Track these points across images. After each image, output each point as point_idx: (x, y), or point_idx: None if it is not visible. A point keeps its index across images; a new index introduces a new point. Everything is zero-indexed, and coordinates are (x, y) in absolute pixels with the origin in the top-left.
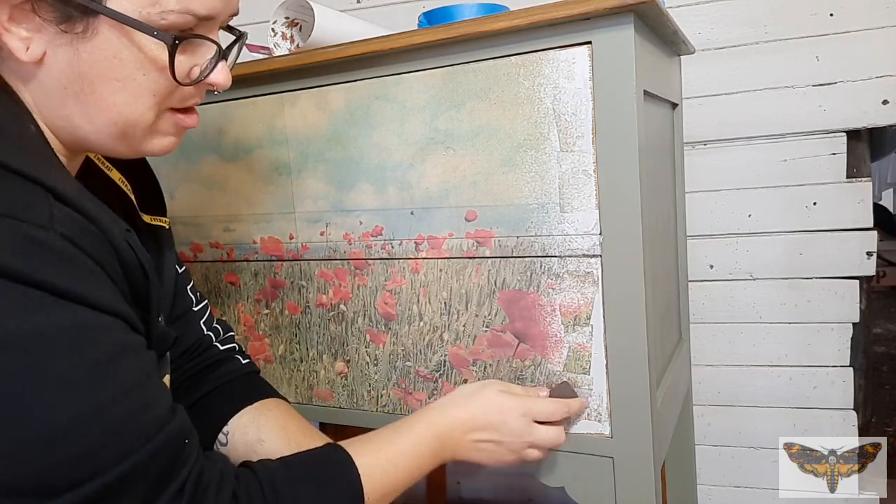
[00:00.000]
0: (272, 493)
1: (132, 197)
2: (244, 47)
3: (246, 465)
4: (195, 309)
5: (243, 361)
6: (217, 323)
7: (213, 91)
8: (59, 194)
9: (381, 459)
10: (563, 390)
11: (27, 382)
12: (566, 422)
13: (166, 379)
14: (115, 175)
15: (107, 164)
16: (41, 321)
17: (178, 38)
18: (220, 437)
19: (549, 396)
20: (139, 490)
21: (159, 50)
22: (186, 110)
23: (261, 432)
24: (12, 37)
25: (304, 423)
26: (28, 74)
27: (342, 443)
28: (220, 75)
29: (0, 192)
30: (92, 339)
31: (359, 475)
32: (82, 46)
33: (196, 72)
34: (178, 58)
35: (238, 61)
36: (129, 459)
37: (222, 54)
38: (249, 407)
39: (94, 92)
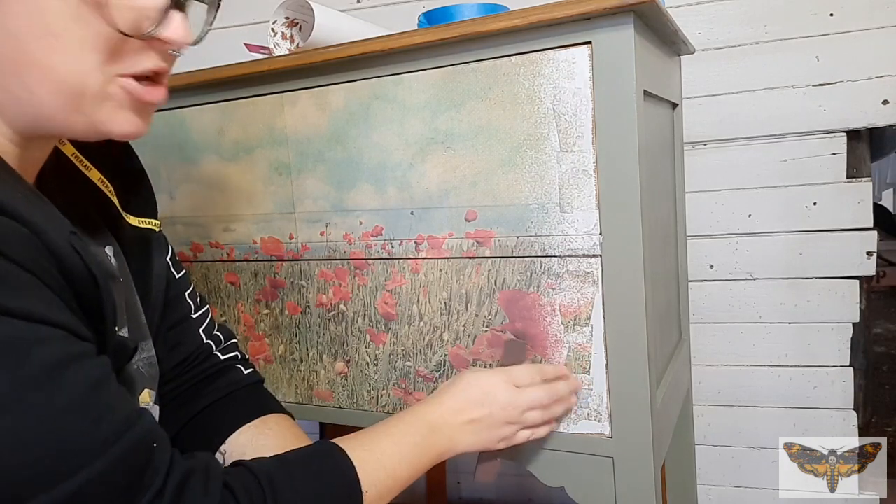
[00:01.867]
0: (270, 487)
1: (114, 199)
2: (245, 47)
3: (238, 463)
4: (194, 316)
5: (245, 371)
6: (218, 330)
7: (175, 52)
8: None
9: (376, 453)
10: (513, 348)
11: None
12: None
13: (146, 394)
14: (95, 175)
15: (86, 163)
16: None
17: None
18: (217, 456)
19: (504, 356)
20: (105, 502)
21: None
22: (146, 80)
23: (259, 454)
24: None
25: (307, 442)
26: None
27: (336, 440)
28: (176, 29)
29: None
30: (25, 354)
31: (356, 470)
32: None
33: (147, 25)
34: (117, 1)
35: (238, 61)
36: (81, 473)
37: (175, 2)
38: (249, 424)
39: (27, 54)
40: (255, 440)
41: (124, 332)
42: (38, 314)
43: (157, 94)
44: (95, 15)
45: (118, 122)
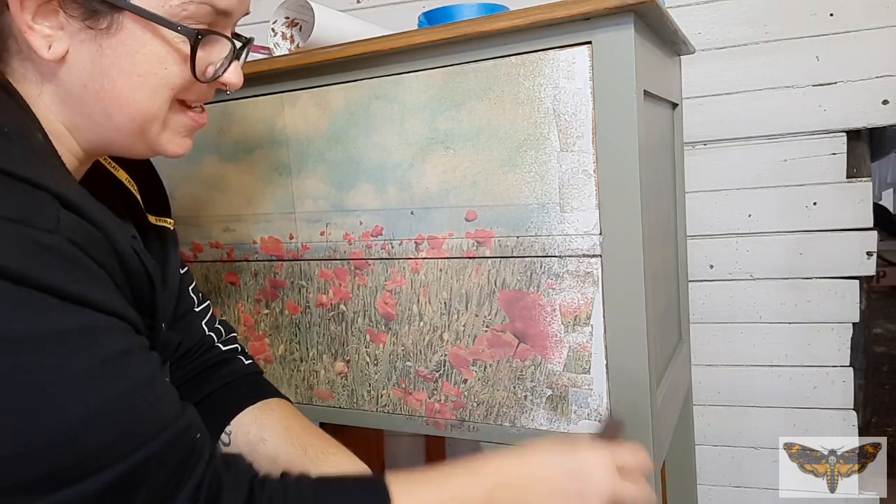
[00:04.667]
0: (296, 501)
1: (138, 197)
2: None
3: (284, 475)
4: (197, 310)
5: (246, 362)
6: (219, 324)
7: (225, 90)
8: (66, 201)
9: (422, 500)
10: (613, 426)
11: (38, 382)
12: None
13: None
14: (122, 175)
15: (113, 164)
16: (49, 323)
17: (200, 33)
18: (223, 437)
19: (603, 433)
20: (157, 481)
21: (182, 44)
22: (197, 108)
23: (263, 432)
24: (35, 35)
25: (307, 423)
26: (49, 73)
27: (393, 477)
28: (234, 75)
29: (8, 199)
30: (99, 339)
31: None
32: (106, 42)
33: (211, 70)
34: (198, 54)
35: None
36: (141, 450)
37: (236, 54)
38: (252, 407)
39: (115, 88)
40: (259, 420)
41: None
42: (110, 306)
43: (205, 118)
44: (179, 63)
45: (174, 145)
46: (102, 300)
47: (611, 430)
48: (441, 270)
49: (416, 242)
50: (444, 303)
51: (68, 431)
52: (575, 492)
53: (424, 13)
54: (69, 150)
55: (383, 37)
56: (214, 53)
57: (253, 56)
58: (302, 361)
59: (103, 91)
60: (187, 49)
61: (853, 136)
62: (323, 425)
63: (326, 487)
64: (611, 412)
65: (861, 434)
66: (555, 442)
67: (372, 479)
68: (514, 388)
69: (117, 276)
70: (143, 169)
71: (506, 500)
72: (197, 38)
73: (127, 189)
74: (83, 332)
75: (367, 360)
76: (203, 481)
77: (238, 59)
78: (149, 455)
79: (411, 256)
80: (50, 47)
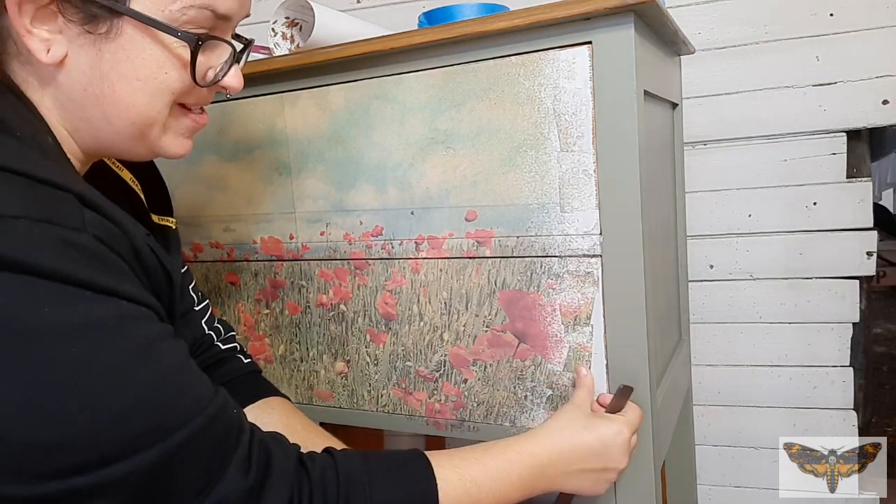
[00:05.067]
0: (346, 478)
1: (142, 196)
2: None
3: (327, 450)
4: (196, 308)
5: (245, 361)
6: (218, 322)
7: (226, 93)
8: (87, 200)
9: (465, 478)
10: (624, 394)
11: (79, 371)
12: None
13: None
14: (126, 175)
15: (117, 164)
16: (84, 314)
17: (200, 38)
18: None
19: (615, 402)
20: (203, 456)
21: (182, 49)
22: (197, 110)
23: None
24: (34, 39)
25: (308, 421)
26: (49, 77)
27: (428, 453)
28: (234, 79)
29: (34, 200)
30: (133, 327)
31: (437, 488)
32: (105, 47)
33: (211, 74)
34: (198, 58)
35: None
36: (185, 428)
37: (236, 57)
38: (252, 405)
39: (115, 92)
40: (260, 419)
41: None
42: (137, 296)
43: (205, 119)
44: (178, 68)
45: (175, 146)
46: (131, 291)
47: (622, 398)
48: (441, 270)
49: (416, 242)
50: (445, 303)
51: (111, 417)
52: (600, 468)
53: (424, 13)
54: (70, 152)
55: (383, 37)
56: (214, 58)
57: (253, 56)
58: (302, 361)
59: (103, 95)
60: (187, 54)
61: (853, 136)
62: (323, 425)
63: (373, 459)
64: (625, 384)
65: (861, 434)
66: (576, 416)
67: (414, 454)
68: (515, 388)
69: (138, 272)
70: (145, 168)
71: (540, 483)
72: (197, 44)
73: (131, 188)
74: (118, 321)
75: (368, 360)
76: (251, 452)
77: (238, 63)
78: (193, 432)
79: (411, 256)
80: (48, 51)
